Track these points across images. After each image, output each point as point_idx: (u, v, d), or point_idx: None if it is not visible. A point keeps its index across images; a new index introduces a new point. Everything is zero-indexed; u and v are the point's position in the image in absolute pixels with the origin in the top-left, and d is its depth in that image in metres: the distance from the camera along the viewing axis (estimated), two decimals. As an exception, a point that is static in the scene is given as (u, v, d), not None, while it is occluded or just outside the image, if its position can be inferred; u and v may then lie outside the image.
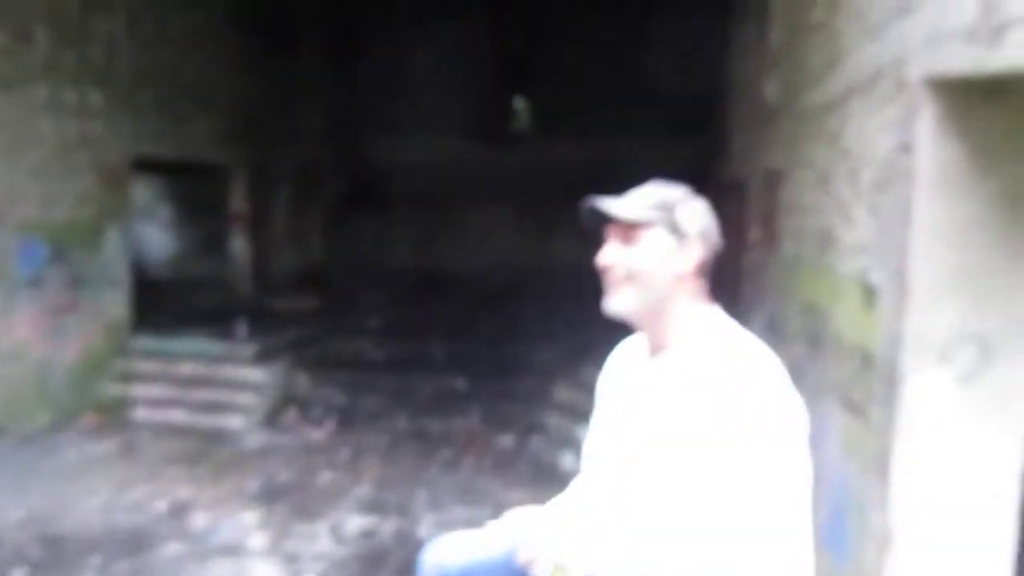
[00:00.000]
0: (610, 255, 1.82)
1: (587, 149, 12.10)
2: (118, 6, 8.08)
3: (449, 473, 6.52)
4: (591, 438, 1.98)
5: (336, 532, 5.36)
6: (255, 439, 7.32)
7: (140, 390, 7.86)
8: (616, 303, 1.80)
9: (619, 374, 1.96)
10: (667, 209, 1.80)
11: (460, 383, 8.57)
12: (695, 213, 1.83)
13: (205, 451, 6.96)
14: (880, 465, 2.58)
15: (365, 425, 7.75)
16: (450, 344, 9.36)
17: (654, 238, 1.79)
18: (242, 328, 8.66)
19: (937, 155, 2.26)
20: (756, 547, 1.52)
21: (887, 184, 2.62)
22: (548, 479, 6.10)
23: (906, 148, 2.39)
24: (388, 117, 13.09)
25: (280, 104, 11.21)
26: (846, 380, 3.10)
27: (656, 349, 1.83)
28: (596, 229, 1.87)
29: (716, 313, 1.84)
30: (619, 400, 1.89)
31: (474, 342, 9.27)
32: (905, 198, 2.37)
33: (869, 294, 2.83)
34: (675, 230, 1.79)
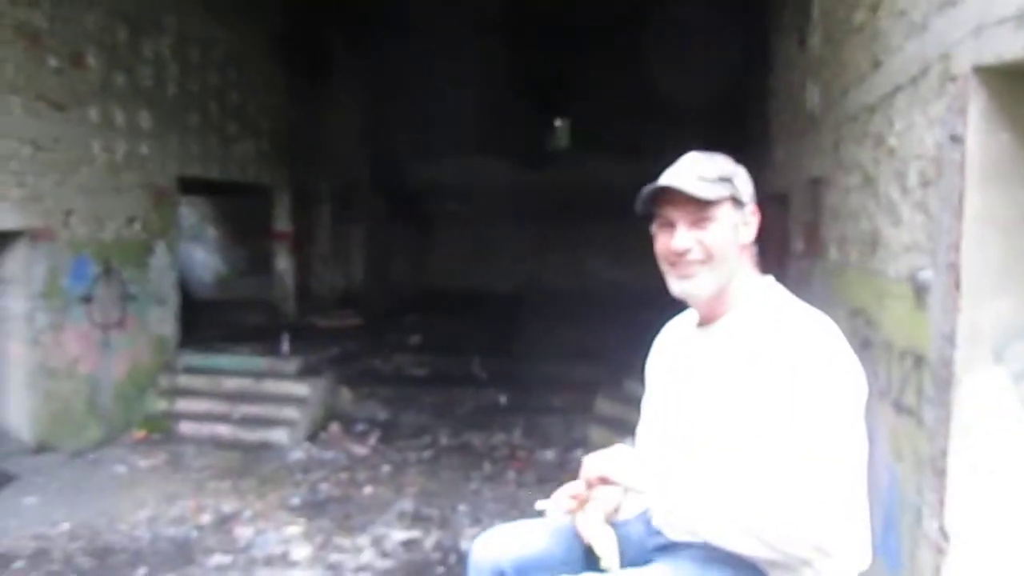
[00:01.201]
0: (685, 239, 1.74)
1: (624, 167, 12.09)
2: (166, 31, 8.29)
3: (491, 487, 6.50)
4: (647, 420, 1.95)
5: (379, 545, 5.36)
6: (299, 453, 7.37)
7: (186, 405, 7.97)
8: (693, 287, 1.75)
9: (670, 351, 1.93)
10: (729, 181, 1.76)
11: (501, 398, 8.56)
12: (746, 180, 1.80)
13: (250, 465, 7.01)
14: (935, 467, 2.51)
15: (407, 440, 7.77)
16: (490, 360, 9.36)
17: (724, 214, 1.75)
18: (286, 344, 8.75)
19: (987, 145, 2.21)
20: (820, 497, 1.49)
21: (936, 179, 2.57)
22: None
23: (956, 140, 2.34)
24: (424, 139, 13.22)
25: (320, 127, 11.38)
26: (897, 383, 3.04)
27: (710, 320, 1.80)
28: (647, 215, 1.82)
29: (770, 281, 1.82)
30: (675, 375, 1.86)
31: (514, 358, 9.26)
32: (956, 191, 2.32)
33: (919, 294, 2.77)
34: (737, 201, 1.76)
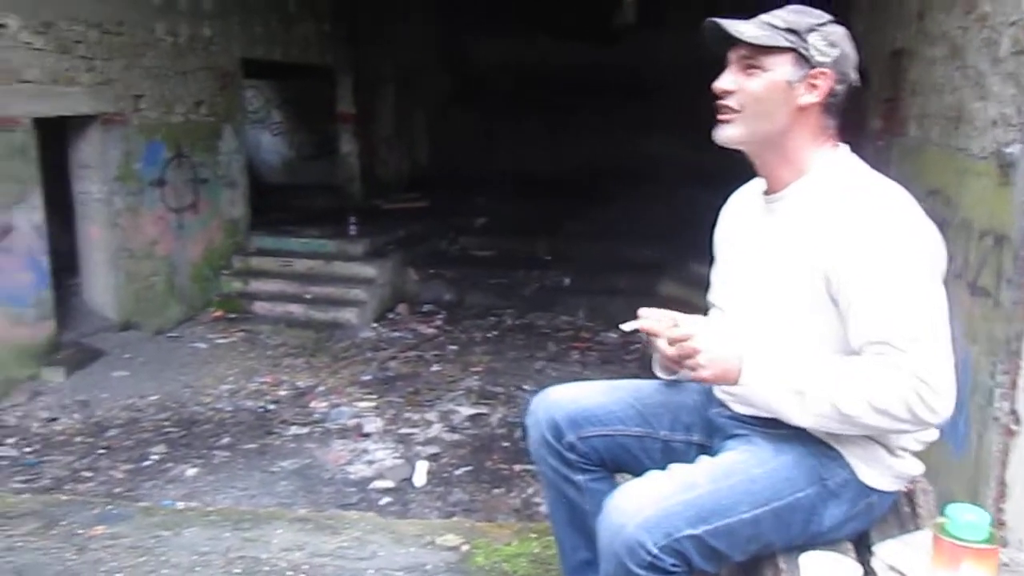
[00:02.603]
0: (728, 80, 1.67)
1: (693, 44, 11.61)
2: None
3: (555, 367, 6.62)
4: (717, 289, 1.91)
5: (447, 419, 5.55)
6: (368, 332, 7.58)
7: (259, 286, 8.21)
8: (723, 133, 1.69)
9: (737, 221, 1.88)
10: (798, 34, 1.65)
11: (565, 279, 8.60)
12: (830, 41, 1.66)
13: (321, 343, 7.26)
14: (1010, 349, 2.46)
15: (472, 320, 7.91)
16: (554, 242, 9.37)
17: (780, 66, 1.65)
18: (353, 227, 8.88)
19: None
20: (908, 357, 1.47)
21: (1030, 48, 2.41)
22: (653, 375, 6.11)
23: (1055, 4, 2.18)
24: (490, 18, 12.83)
25: (383, 5, 11.14)
26: (974, 265, 2.95)
27: (777, 188, 1.73)
28: (721, 54, 1.72)
29: (843, 151, 1.72)
30: (743, 245, 1.82)
31: (578, 240, 9.24)
32: (1051, 60, 2.18)
33: (1005, 171, 2.65)
34: (804, 57, 1.65)
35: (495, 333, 7.58)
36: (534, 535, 2.48)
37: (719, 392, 1.81)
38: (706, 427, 1.86)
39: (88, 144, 6.79)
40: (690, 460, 1.70)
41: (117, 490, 4.48)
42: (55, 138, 6.56)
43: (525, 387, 6.12)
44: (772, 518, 1.60)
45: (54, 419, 5.54)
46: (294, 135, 13.09)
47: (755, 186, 1.84)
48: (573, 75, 12.36)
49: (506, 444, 5.17)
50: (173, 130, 7.55)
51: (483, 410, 5.70)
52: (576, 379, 6.29)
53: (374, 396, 5.98)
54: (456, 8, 12.41)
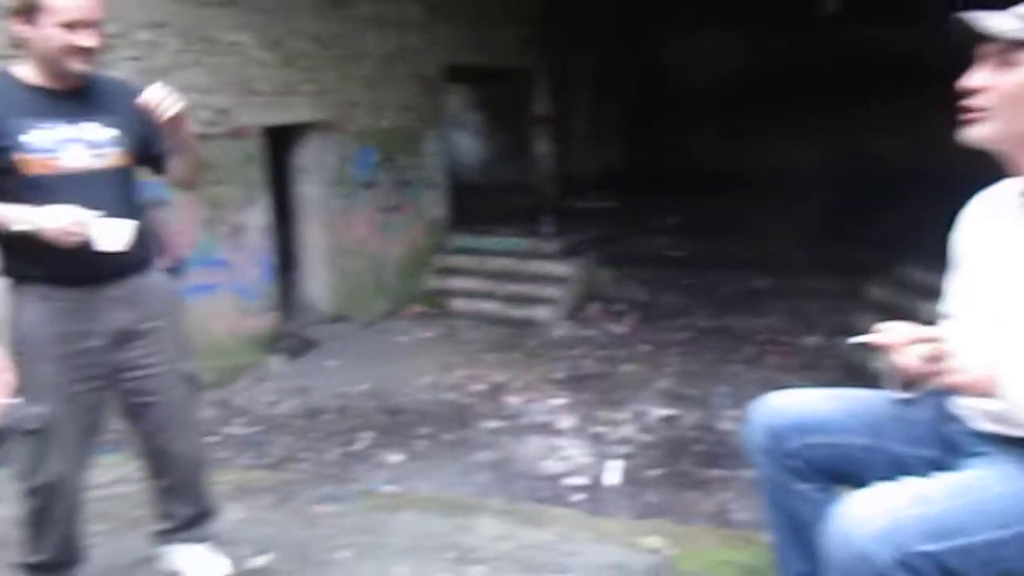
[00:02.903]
0: (979, 78, 1.56)
1: (910, 32, 10.87)
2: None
3: (751, 370, 6.45)
4: (956, 298, 1.79)
5: (639, 419, 5.56)
6: (560, 330, 7.71)
7: (457, 283, 8.56)
8: (976, 132, 1.58)
9: (987, 225, 1.74)
10: None
11: (762, 281, 8.35)
12: None
13: (515, 340, 7.46)
14: None
15: (665, 321, 7.85)
16: (751, 242, 9.10)
17: None
18: (548, 226, 9.05)
19: None
20: None
21: None
22: (858, 382, 5.82)
23: None
24: (682, 14, 12.64)
25: (575, 8, 11.25)
26: None
27: None
28: (967, 50, 1.63)
29: None
30: (996, 250, 1.68)
31: (777, 240, 8.93)
32: None
33: None
34: None
35: (688, 334, 7.49)
36: (742, 543, 2.45)
37: (960, 407, 1.71)
38: (941, 444, 1.76)
39: (307, 150, 7.35)
40: (921, 476, 1.62)
41: (331, 471, 4.84)
42: (278, 145, 7.16)
43: (719, 390, 6.02)
44: (1015, 542, 1.50)
45: (275, 402, 6.04)
46: (491, 136, 13.48)
47: (1004, 189, 1.71)
48: (770, 67, 11.95)
49: (700, 447, 5.11)
50: (382, 135, 8.01)
51: (676, 412, 5.66)
52: (773, 384, 6.07)
53: (567, 393, 6.08)
54: (648, 6, 12.33)
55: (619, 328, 7.73)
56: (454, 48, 8.99)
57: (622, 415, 5.64)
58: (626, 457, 4.96)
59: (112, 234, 2.05)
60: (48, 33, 2.03)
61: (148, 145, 2.24)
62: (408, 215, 8.46)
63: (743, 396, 5.81)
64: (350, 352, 7.05)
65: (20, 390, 2.05)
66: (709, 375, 6.35)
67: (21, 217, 2.03)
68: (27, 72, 2.12)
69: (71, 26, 2.02)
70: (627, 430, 5.40)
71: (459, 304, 8.29)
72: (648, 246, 9.58)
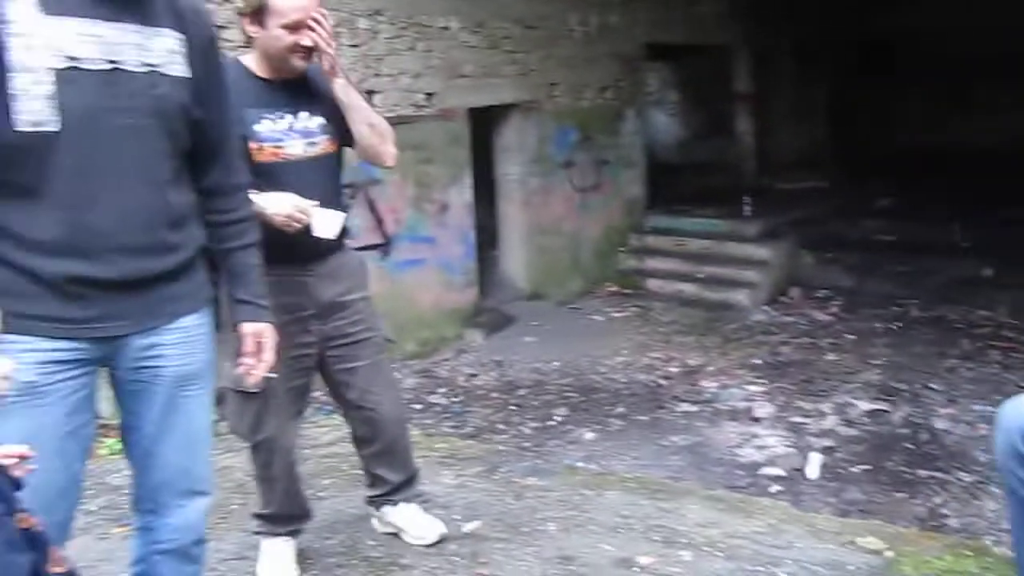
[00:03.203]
0: None
1: None
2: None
3: (970, 366, 6.01)
4: None
5: (842, 412, 5.33)
6: (759, 315, 7.49)
7: (652, 263, 8.50)
8: None
9: None
10: None
11: (985, 270, 7.72)
12: None
13: (712, 323, 7.34)
14: None
15: (872, 309, 7.44)
16: (972, 227, 8.40)
17: None
18: (747, 207, 8.80)
19: None
20: None
21: None
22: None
23: None
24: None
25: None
26: None
27: None
28: None
29: None
30: None
31: (1002, 226, 8.20)
32: None
33: None
34: None
35: (898, 324, 7.06)
36: (970, 553, 2.31)
37: None
38: None
39: (509, 130, 7.53)
40: None
41: (526, 444, 4.98)
42: (481, 125, 7.37)
43: (933, 386, 5.65)
44: None
45: (474, 375, 6.29)
46: (688, 114, 13.21)
47: None
48: (989, 37, 10.90)
49: (910, 445, 4.83)
50: (581, 115, 8.07)
51: (883, 406, 5.38)
52: (996, 382, 5.68)
53: (765, 380, 5.92)
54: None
55: (821, 315, 7.41)
56: (653, 26, 8.87)
57: (824, 406, 5.43)
58: (828, 451, 4.78)
59: (328, 223, 2.24)
60: (275, 33, 2.18)
61: (341, 123, 2.35)
62: (606, 194, 8.49)
63: (960, 394, 5.45)
64: (546, 329, 7.19)
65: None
66: (921, 369, 5.98)
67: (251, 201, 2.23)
68: (254, 63, 2.29)
69: (295, 27, 2.17)
70: (829, 422, 5.20)
71: (654, 285, 8.24)
72: (855, 229, 9.08)
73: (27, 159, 1.48)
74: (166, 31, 1.61)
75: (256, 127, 2.24)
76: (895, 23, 12.01)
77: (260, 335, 1.86)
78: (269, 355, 1.87)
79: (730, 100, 11.13)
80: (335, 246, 2.38)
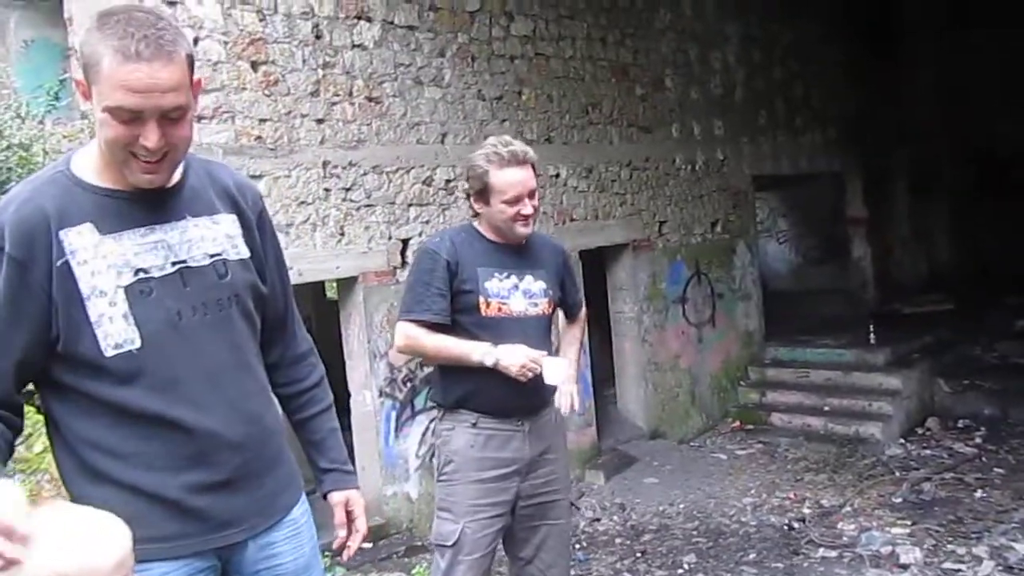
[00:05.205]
0: None
1: None
2: (730, 40, 8.69)
3: None
4: None
5: (999, 556, 4.90)
6: (895, 449, 7.09)
7: (775, 397, 8.24)
8: None
9: None
10: None
11: None
12: None
13: (843, 458, 6.98)
14: None
15: (1020, 439, 6.94)
16: None
17: None
18: (871, 334, 8.49)
19: None
20: None
21: None
22: None
23: None
24: (1010, 95, 11.51)
25: (888, 104, 10.74)
26: None
27: None
28: None
29: None
30: None
31: None
32: None
33: None
34: None
35: (1052, 456, 6.55)
36: None
37: None
38: None
39: (621, 268, 7.62)
40: None
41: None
42: (593, 264, 7.49)
43: (1102, 525, 5.16)
44: None
45: (597, 519, 6.14)
46: (800, 241, 13.05)
47: None
48: None
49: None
50: (692, 250, 8.11)
51: (1046, 549, 4.93)
52: None
53: (908, 522, 5.54)
54: (970, 92, 11.44)
55: (965, 447, 6.95)
56: (759, 158, 8.97)
57: (979, 550, 5.01)
58: (988, 600, 4.39)
59: (556, 370, 2.38)
60: (498, 207, 2.50)
61: (565, 294, 2.70)
62: (721, 327, 8.39)
63: None
64: (667, 469, 7.01)
65: (442, 507, 2.36)
66: (1088, 508, 5.49)
67: (487, 352, 2.38)
68: (483, 227, 2.61)
69: (514, 201, 2.47)
70: (986, 568, 4.78)
71: (778, 419, 7.96)
72: (991, 353, 8.62)
73: (125, 380, 1.46)
74: (221, 216, 1.61)
75: (486, 284, 2.49)
76: (1013, 142, 11.70)
77: (349, 503, 1.81)
78: (361, 522, 1.82)
79: (844, 224, 10.96)
80: (548, 400, 2.51)
